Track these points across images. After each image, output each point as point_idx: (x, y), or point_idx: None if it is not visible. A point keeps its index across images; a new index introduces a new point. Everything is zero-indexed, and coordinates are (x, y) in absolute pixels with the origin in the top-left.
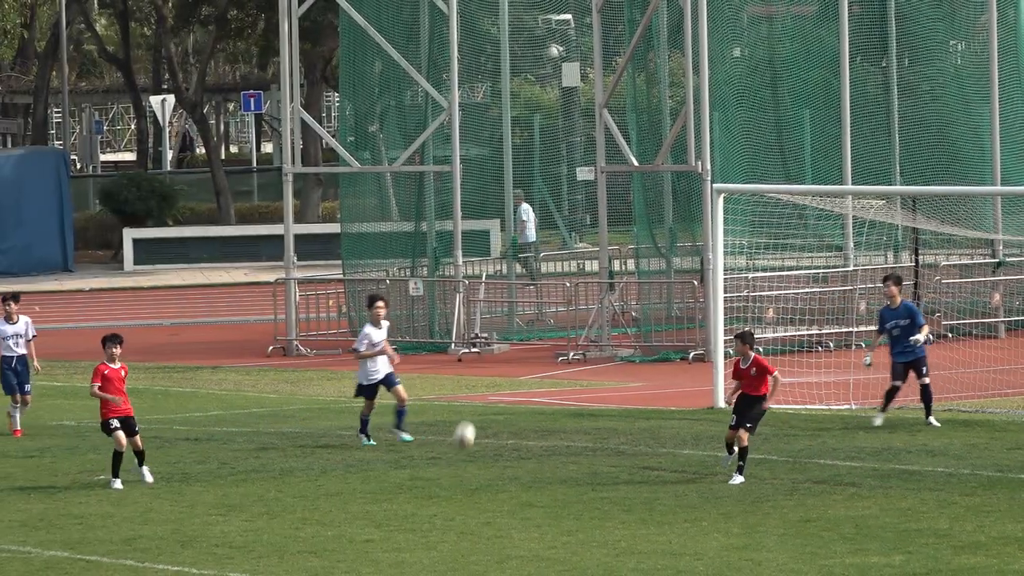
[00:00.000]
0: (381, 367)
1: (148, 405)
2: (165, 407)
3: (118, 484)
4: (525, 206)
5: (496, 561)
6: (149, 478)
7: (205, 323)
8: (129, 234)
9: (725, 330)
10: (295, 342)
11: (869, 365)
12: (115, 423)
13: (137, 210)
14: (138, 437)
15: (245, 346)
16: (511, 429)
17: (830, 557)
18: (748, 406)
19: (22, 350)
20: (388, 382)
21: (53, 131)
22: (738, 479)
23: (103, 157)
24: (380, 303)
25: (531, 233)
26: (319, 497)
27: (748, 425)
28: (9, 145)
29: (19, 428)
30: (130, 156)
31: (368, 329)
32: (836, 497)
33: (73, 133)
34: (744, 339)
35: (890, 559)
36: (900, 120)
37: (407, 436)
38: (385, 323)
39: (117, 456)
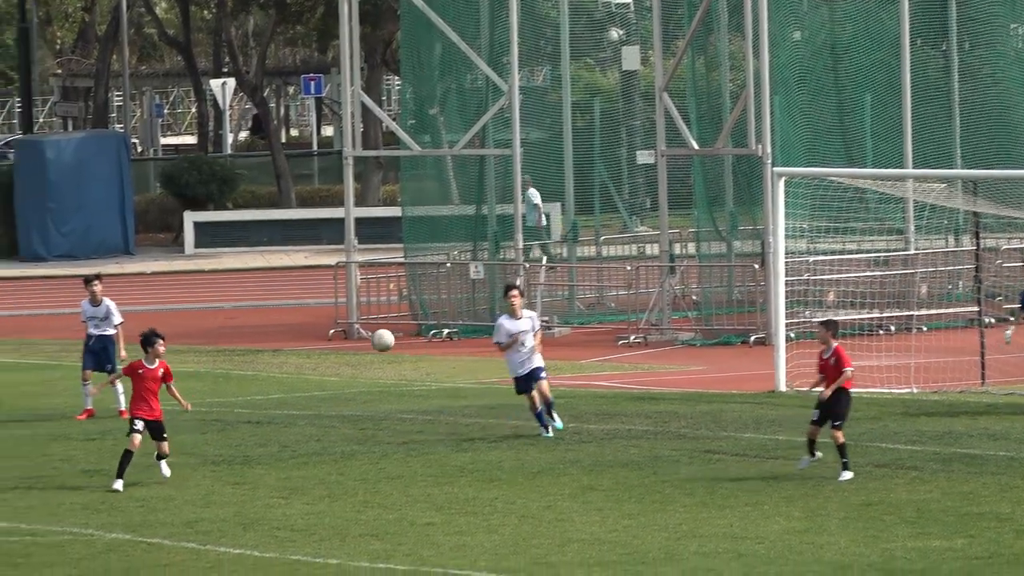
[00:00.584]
0: (527, 360)
1: (209, 388)
2: (226, 390)
3: (119, 485)
4: (532, 191)
5: (557, 544)
6: (167, 471)
7: (266, 306)
8: (190, 217)
9: (786, 313)
10: (356, 325)
11: (1008, 343)
12: (139, 424)
13: (198, 193)
14: (166, 444)
15: (306, 329)
16: (572, 412)
17: (891, 541)
18: (832, 401)
19: (103, 331)
20: (534, 376)
21: (114, 114)
22: (847, 474)
23: (164, 140)
24: (514, 292)
25: (541, 218)
26: (380, 480)
27: (836, 423)
28: (70, 128)
29: (91, 408)
30: (191, 139)
31: (502, 320)
32: (897, 481)
33: (134, 116)
34: (828, 326)
35: (952, 542)
36: (961, 103)
37: (558, 424)
38: (527, 312)
39: (127, 456)
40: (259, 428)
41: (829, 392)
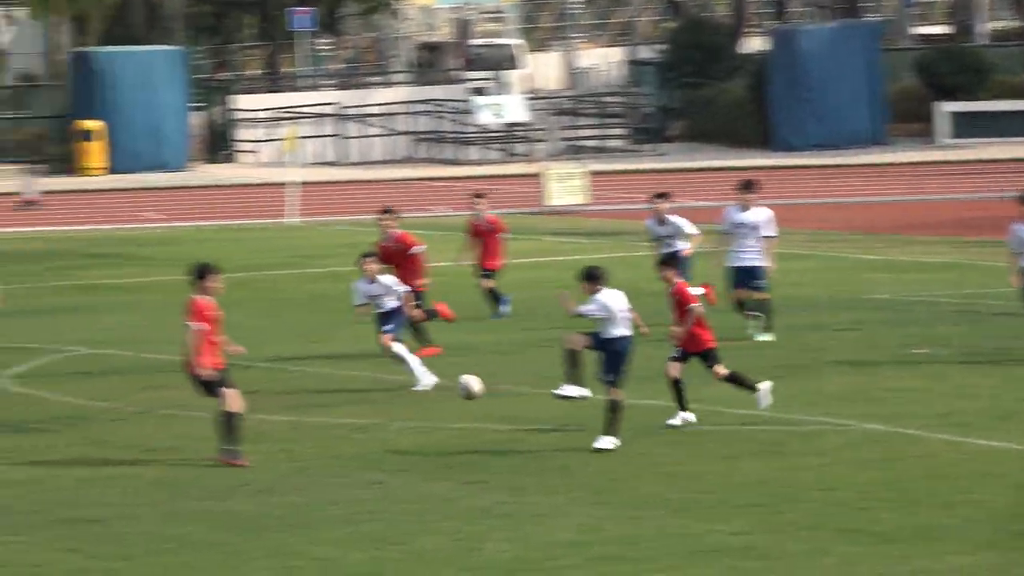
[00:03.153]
0: None
1: (955, 278)
2: (971, 281)
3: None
4: None
5: None
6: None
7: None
8: (941, 107)
9: None
10: None
11: None
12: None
13: (950, 83)
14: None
15: None
16: None
17: None
18: None
19: (676, 248)
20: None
21: (871, 3)
22: None
23: (916, 30)
24: None
25: None
26: None
27: None
28: (824, 19)
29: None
30: (944, 28)
31: None
32: None
33: (886, 6)
34: None
35: None
36: None
37: None
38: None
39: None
40: (1013, 320)
41: None
